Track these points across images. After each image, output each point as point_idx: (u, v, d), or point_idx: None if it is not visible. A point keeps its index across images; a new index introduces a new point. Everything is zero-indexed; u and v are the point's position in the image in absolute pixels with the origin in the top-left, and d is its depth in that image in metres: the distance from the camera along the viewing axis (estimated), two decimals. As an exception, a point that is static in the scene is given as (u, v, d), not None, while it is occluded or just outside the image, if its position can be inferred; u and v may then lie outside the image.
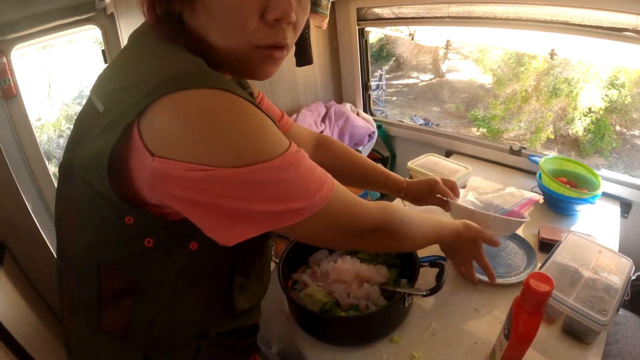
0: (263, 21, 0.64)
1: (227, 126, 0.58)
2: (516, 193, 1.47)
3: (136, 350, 0.75)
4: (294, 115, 2.49)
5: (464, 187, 1.87)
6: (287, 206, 0.63)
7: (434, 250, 1.37)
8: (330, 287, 1.14)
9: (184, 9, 0.65)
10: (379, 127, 2.69)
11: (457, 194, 1.36)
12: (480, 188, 1.62)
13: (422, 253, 1.21)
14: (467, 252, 1.14)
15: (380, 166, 1.32)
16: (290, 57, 2.40)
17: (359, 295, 1.11)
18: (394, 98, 12.76)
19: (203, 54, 0.66)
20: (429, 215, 1.01)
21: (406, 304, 1.07)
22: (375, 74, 11.35)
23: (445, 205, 1.32)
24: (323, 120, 2.56)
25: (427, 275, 1.14)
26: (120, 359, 0.76)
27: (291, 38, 0.70)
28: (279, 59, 0.71)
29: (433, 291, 1.02)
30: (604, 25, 1.63)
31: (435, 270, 1.13)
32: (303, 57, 2.36)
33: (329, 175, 0.70)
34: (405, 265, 1.24)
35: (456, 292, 1.27)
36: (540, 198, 1.47)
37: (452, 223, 1.07)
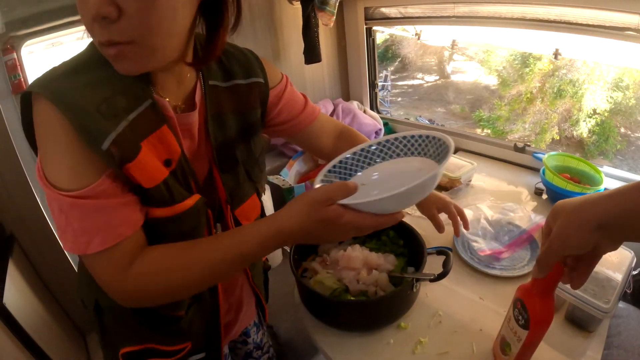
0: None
1: (39, 137, 0.69)
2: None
3: (93, 293, 0.90)
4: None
5: (469, 182, 1.90)
6: (60, 236, 0.70)
7: (440, 242, 1.42)
8: (339, 274, 1.18)
9: None
10: (385, 124, 2.72)
11: (465, 223, 1.31)
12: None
13: (428, 244, 1.24)
14: (337, 233, 0.78)
15: None
16: (299, 55, 2.44)
17: (368, 282, 1.14)
18: (399, 99, 12.78)
19: None
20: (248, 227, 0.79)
21: (414, 289, 1.10)
22: (381, 74, 11.35)
23: (439, 227, 1.27)
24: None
25: (432, 264, 1.16)
26: (89, 291, 0.92)
27: (128, 32, 0.64)
28: (117, 55, 0.67)
29: (440, 276, 1.05)
30: (607, 24, 1.66)
31: (442, 259, 1.15)
32: (312, 54, 2.39)
33: (103, 236, 0.69)
34: (412, 254, 1.27)
35: (462, 281, 1.32)
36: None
37: (289, 218, 0.76)
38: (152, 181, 0.74)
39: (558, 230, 0.69)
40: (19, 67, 2.98)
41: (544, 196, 1.79)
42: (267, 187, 2.05)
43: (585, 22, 1.73)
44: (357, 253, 1.21)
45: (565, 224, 0.68)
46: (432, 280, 1.06)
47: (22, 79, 2.99)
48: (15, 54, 2.98)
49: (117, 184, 0.71)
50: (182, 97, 0.84)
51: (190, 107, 0.85)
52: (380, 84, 10.95)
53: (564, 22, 1.79)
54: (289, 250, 1.23)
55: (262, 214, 1.10)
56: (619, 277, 1.11)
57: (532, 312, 0.83)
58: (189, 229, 0.82)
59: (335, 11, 2.26)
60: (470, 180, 1.91)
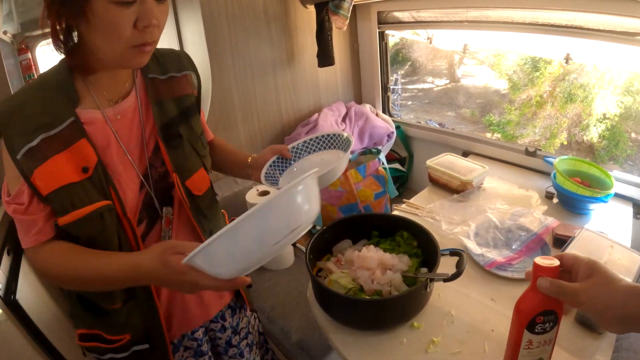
0: (136, 28, 0.85)
1: None
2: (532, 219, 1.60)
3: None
4: (316, 115, 2.54)
5: (481, 185, 1.92)
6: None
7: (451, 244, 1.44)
8: (354, 273, 1.20)
9: (79, 25, 0.87)
10: (397, 127, 2.74)
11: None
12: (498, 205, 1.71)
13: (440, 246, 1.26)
14: (176, 285, 0.88)
15: (239, 151, 1.39)
16: (312, 58, 2.47)
17: (382, 282, 1.16)
18: (410, 102, 12.72)
19: (86, 61, 0.94)
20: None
21: (427, 289, 1.12)
22: (391, 78, 11.26)
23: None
24: (343, 120, 2.61)
25: (445, 266, 1.18)
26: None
27: (157, 34, 0.92)
28: (149, 52, 0.92)
29: (454, 277, 1.07)
30: (618, 30, 1.67)
31: (454, 261, 1.17)
32: (325, 58, 2.42)
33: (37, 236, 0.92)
34: (425, 254, 1.29)
35: (473, 283, 1.34)
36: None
37: (145, 256, 0.89)
38: (54, 185, 0.89)
39: (584, 308, 0.75)
40: (33, 67, 3.03)
41: (555, 200, 1.81)
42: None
43: (596, 27, 1.74)
44: (372, 253, 1.23)
45: (595, 315, 0.74)
46: (445, 281, 1.08)
47: (36, 79, 3.04)
48: (30, 53, 3.02)
49: (34, 201, 0.90)
50: (117, 89, 1.03)
51: (125, 97, 1.04)
52: (390, 87, 10.93)
53: (575, 27, 1.81)
54: (304, 250, 1.25)
55: (211, 187, 1.24)
56: (629, 278, 1.13)
57: (559, 308, 0.81)
58: (94, 233, 0.95)
59: (349, 15, 2.28)
60: (482, 184, 1.93)
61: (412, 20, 2.51)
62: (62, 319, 1.96)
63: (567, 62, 2.09)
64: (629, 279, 1.13)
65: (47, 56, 2.75)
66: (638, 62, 1.90)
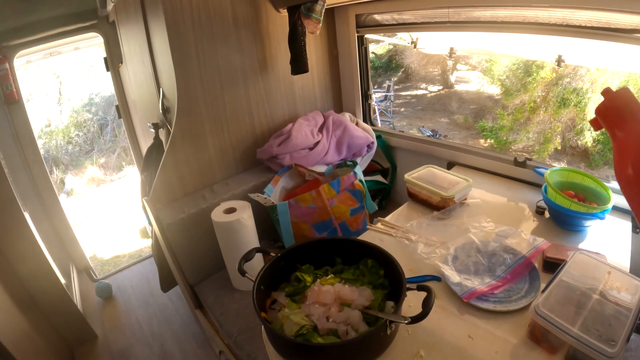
0: None
1: None
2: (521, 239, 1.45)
3: None
4: (290, 125, 2.40)
5: (464, 200, 1.78)
6: None
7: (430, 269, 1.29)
8: (308, 309, 1.05)
9: None
10: (378, 137, 2.60)
11: None
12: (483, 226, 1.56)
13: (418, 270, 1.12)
14: None
15: None
16: (287, 66, 2.35)
17: (338, 320, 1.02)
18: (402, 109, 12.74)
19: None
20: None
21: (388, 332, 0.97)
22: (384, 85, 11.38)
23: None
24: (320, 130, 2.47)
25: (415, 299, 1.03)
26: None
27: None
28: None
29: (417, 319, 0.92)
30: (612, 27, 1.54)
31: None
32: (299, 65, 2.29)
33: None
34: (393, 285, 1.14)
35: (449, 316, 1.19)
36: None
37: None
38: None
39: None
40: (11, 78, 2.98)
41: (547, 215, 1.66)
42: (248, 205, 1.93)
43: (589, 25, 1.61)
44: (328, 287, 1.08)
45: None
46: (408, 323, 0.92)
47: (15, 89, 2.99)
48: (7, 64, 2.98)
49: None
50: None
51: None
52: (383, 94, 11.01)
53: (566, 25, 1.68)
54: (253, 280, 1.10)
55: None
56: (628, 312, 0.99)
57: None
58: None
59: (322, 18, 2.15)
60: (465, 199, 1.78)
61: (393, 22, 2.38)
62: (34, 337, 1.90)
63: (559, 65, 1.97)
64: (629, 310, 0.99)
65: (31, 65, 2.79)
66: (634, 61, 1.78)
